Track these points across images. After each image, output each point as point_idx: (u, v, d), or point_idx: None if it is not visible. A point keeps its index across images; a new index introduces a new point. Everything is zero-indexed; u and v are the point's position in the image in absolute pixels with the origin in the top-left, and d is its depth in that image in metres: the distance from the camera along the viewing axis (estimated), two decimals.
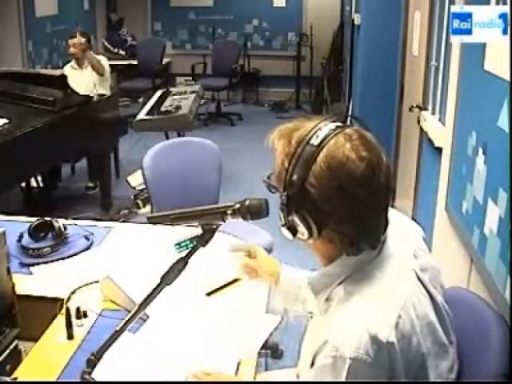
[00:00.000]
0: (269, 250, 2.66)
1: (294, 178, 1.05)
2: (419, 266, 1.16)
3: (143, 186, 3.38)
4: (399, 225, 1.21)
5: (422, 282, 1.13)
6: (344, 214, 1.05)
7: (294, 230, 1.09)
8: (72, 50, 4.74)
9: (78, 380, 1.19)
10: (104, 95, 4.68)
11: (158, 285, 1.21)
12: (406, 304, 1.06)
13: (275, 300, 1.62)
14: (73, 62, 4.82)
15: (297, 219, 1.07)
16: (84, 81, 4.66)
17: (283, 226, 1.10)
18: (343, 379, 1.00)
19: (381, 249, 1.12)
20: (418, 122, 3.17)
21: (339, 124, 1.09)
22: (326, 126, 1.08)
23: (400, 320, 1.03)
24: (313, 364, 1.07)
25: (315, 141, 1.05)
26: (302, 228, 1.07)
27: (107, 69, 4.87)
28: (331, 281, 1.12)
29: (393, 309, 1.04)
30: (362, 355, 0.99)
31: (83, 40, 4.71)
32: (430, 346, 1.09)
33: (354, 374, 1.00)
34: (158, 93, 5.29)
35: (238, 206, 1.21)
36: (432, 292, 1.14)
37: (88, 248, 2.14)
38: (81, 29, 5.75)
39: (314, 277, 1.17)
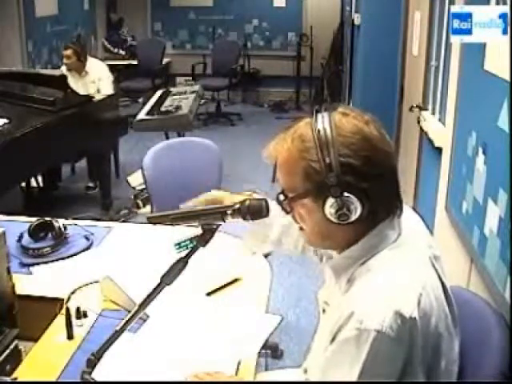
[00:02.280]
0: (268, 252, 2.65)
1: (328, 160, 1.07)
2: (433, 254, 1.18)
3: (143, 186, 3.38)
4: (411, 216, 1.24)
5: (436, 270, 1.16)
6: (387, 173, 1.11)
7: (346, 213, 1.09)
8: (65, 60, 4.74)
9: (78, 380, 1.19)
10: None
11: (158, 285, 1.21)
12: (425, 285, 1.09)
13: (245, 240, 1.58)
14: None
15: (351, 196, 1.08)
16: (83, 87, 4.64)
17: (337, 211, 1.09)
18: (365, 353, 1.02)
19: (399, 233, 1.15)
20: (418, 122, 3.17)
21: (325, 109, 1.14)
22: (320, 113, 1.12)
23: (421, 298, 1.06)
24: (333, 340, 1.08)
25: (323, 124, 1.09)
26: (355, 204, 1.08)
27: (108, 74, 4.87)
28: (353, 262, 1.15)
29: (415, 287, 1.07)
30: (386, 329, 1.01)
31: (74, 57, 4.72)
32: (443, 331, 1.11)
33: (376, 348, 1.02)
34: (158, 93, 5.29)
35: (237, 206, 1.21)
36: (444, 281, 1.17)
37: (88, 248, 2.14)
38: (81, 29, 5.75)
39: (335, 259, 1.19)
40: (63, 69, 4.81)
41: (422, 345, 1.05)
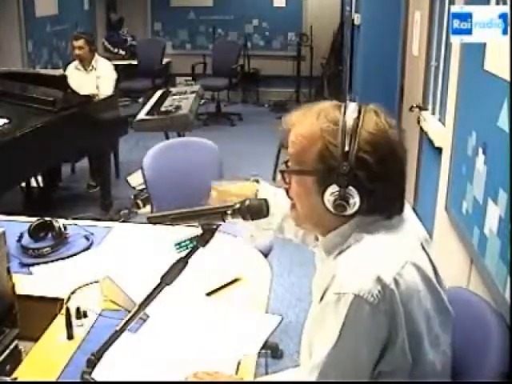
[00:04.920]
0: (268, 250, 2.66)
1: (347, 148, 1.08)
2: (425, 238, 1.20)
3: (143, 186, 3.38)
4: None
5: (427, 254, 1.16)
6: (395, 177, 1.13)
7: (344, 205, 1.10)
8: (77, 51, 4.74)
9: (78, 380, 1.19)
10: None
11: (158, 285, 1.21)
12: (411, 259, 1.09)
13: (247, 228, 1.58)
14: (77, 63, 4.83)
15: (355, 191, 1.08)
16: (88, 83, 4.65)
17: (336, 200, 1.09)
18: (343, 315, 1.03)
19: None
20: (418, 122, 3.17)
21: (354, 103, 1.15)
22: (353, 103, 1.14)
23: (404, 271, 1.06)
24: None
25: (353, 113, 1.11)
26: (355, 199, 1.09)
27: (112, 74, 4.88)
28: (343, 240, 1.15)
29: (399, 259, 1.08)
30: (364, 293, 1.02)
31: (87, 47, 4.73)
32: (433, 311, 1.10)
33: (354, 311, 1.02)
34: (158, 93, 5.28)
35: (237, 205, 1.21)
36: (435, 265, 1.17)
37: (88, 248, 2.14)
38: (81, 29, 5.76)
39: (326, 238, 1.19)
40: (72, 66, 4.84)
41: (406, 317, 1.04)
